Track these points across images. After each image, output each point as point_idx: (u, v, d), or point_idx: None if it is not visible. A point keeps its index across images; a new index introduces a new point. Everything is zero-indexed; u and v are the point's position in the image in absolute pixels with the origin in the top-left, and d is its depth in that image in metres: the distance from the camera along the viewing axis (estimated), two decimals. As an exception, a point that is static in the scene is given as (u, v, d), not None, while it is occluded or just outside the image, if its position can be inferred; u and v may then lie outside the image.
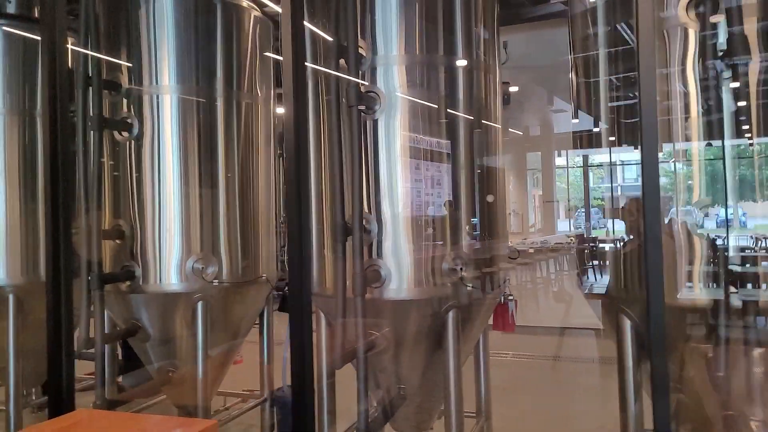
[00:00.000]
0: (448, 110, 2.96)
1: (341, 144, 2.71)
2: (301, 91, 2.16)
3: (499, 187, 3.27)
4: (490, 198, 3.13)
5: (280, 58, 2.20)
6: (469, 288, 2.80)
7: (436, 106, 2.91)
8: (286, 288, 4.08)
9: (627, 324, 2.22)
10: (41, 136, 4.11)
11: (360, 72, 2.78)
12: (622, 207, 3.29)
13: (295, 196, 2.09)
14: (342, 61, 2.73)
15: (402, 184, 2.84)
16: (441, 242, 2.88)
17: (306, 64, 2.60)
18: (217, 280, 3.41)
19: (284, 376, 4.08)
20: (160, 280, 3.38)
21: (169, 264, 3.38)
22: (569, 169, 14.57)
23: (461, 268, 2.80)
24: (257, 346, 4.03)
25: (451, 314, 2.77)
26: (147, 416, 2.30)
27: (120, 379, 4.40)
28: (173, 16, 3.48)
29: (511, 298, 3.34)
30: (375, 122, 2.81)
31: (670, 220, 2.94)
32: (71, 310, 2.63)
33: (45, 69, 2.62)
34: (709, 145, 3.44)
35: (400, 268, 2.77)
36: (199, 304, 3.37)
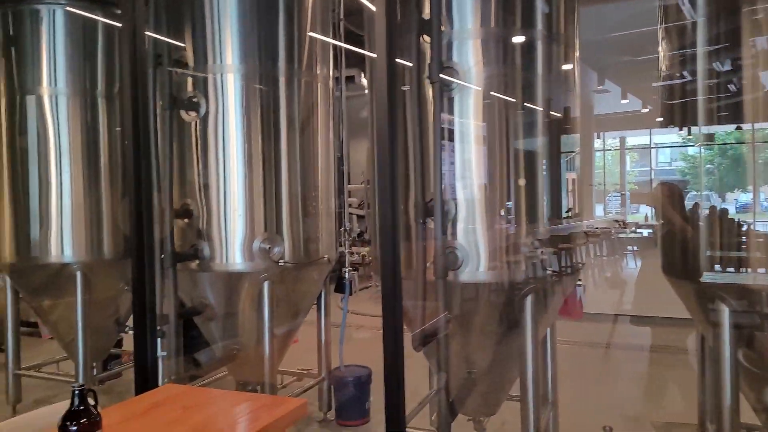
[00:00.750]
0: (526, 88, 2.89)
1: (421, 122, 2.67)
2: (392, 75, 2.10)
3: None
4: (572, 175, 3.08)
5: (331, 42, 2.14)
6: (548, 271, 2.75)
7: (513, 84, 2.85)
8: (342, 269, 4.11)
9: (725, 311, 2.15)
10: (102, 116, 4.20)
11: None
12: (653, 191, 3.25)
13: (389, 181, 2.06)
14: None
15: (477, 163, 2.79)
16: (517, 224, 2.83)
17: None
18: (282, 261, 3.42)
19: (341, 356, 4.11)
20: (227, 259, 3.41)
21: (236, 244, 3.39)
22: (604, 152, 14.26)
23: (540, 251, 2.75)
24: (310, 327, 4.05)
25: (529, 298, 2.73)
26: (236, 393, 2.33)
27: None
28: (236, -8, 3.45)
29: (580, 283, 3.28)
30: (451, 100, 2.76)
31: (695, 204, 2.90)
32: (154, 288, 2.67)
33: (126, 52, 2.62)
34: (739, 128, 3.35)
35: (476, 251, 2.74)
36: (266, 284, 3.40)
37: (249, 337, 3.58)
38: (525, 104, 2.89)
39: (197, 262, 3.37)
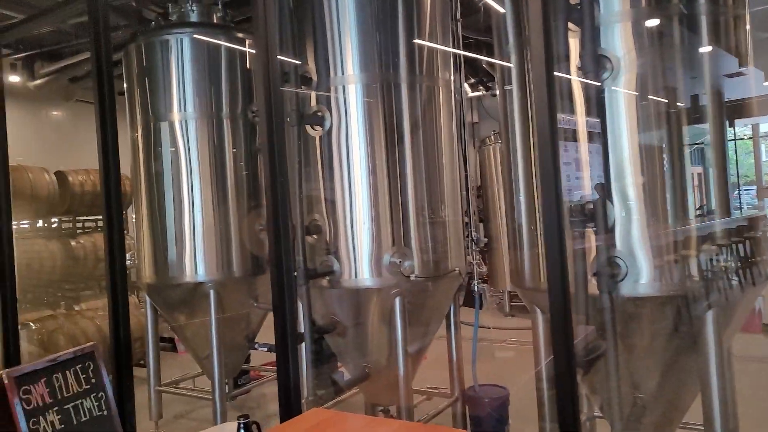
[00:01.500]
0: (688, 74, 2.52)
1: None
2: (550, 69, 1.86)
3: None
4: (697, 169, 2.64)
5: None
6: (733, 281, 2.34)
7: (673, 70, 2.48)
8: (470, 281, 3.88)
9: None
10: (228, 137, 4.32)
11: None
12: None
13: (553, 185, 1.81)
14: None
15: (637, 159, 2.45)
16: (686, 228, 2.45)
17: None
18: (414, 275, 3.25)
19: (474, 375, 3.86)
20: (356, 275, 3.31)
21: (365, 259, 3.28)
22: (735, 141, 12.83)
23: (720, 260, 2.35)
24: (435, 342, 3.83)
25: (710, 313, 2.34)
26: (390, 421, 2.18)
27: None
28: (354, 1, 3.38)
29: (762, 293, 2.79)
30: (600, 92, 2.45)
31: None
32: (295, 308, 2.60)
33: (260, 75, 2.60)
34: None
35: (638, 260, 2.39)
36: (397, 300, 3.25)
37: (381, 356, 3.45)
38: (673, 92, 2.51)
39: (327, 279, 3.30)
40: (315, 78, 3.39)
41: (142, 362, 6.16)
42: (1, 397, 2.55)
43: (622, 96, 2.48)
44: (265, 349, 4.50)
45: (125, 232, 7.92)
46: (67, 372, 2.84)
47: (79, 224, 7.48)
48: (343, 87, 3.40)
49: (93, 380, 2.97)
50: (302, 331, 3.15)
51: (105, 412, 2.97)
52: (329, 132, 3.36)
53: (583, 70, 2.26)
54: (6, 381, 2.51)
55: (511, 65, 2.86)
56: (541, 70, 1.84)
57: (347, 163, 3.37)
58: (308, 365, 3.12)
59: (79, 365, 2.92)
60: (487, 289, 3.85)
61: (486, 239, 5.95)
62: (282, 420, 2.56)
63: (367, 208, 3.32)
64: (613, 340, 2.35)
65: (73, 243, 7.07)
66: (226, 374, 4.59)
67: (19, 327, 5.61)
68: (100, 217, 7.65)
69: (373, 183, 3.33)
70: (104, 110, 3.33)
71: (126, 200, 7.79)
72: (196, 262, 4.19)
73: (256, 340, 4.51)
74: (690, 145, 2.60)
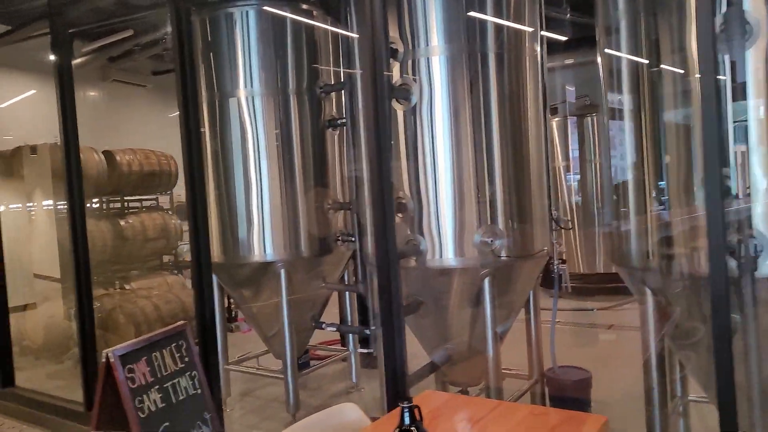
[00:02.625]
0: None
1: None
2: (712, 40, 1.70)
3: None
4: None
5: None
6: None
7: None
8: (550, 262, 3.76)
9: None
10: (294, 114, 4.21)
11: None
12: None
13: (715, 162, 1.67)
14: None
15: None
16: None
17: None
18: (504, 255, 3.15)
19: (553, 356, 3.77)
20: (443, 254, 3.21)
21: (454, 238, 3.18)
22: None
23: None
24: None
25: None
26: (514, 405, 2.09)
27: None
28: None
29: None
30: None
31: None
32: (400, 289, 2.51)
33: (366, 52, 2.48)
34: None
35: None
36: (486, 281, 3.16)
37: (464, 337, 3.37)
38: None
39: (414, 258, 3.21)
40: (401, 49, 3.25)
41: (197, 342, 6.18)
42: (105, 376, 2.52)
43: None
44: (333, 329, 4.47)
45: (169, 212, 7.94)
46: (164, 351, 2.80)
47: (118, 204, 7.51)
48: (428, 59, 3.26)
49: (186, 359, 2.93)
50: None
51: (199, 391, 2.93)
52: (414, 105, 3.24)
53: (727, 34, 2.09)
54: (112, 360, 2.47)
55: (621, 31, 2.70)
56: (704, 31, 1.69)
57: (431, 139, 3.24)
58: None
59: (174, 344, 2.89)
60: (566, 270, 3.71)
61: (567, 218, 5.81)
62: (389, 402, 2.49)
63: (454, 185, 3.20)
64: (746, 320, 2.22)
65: (122, 223, 7.08)
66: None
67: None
68: (149, 197, 7.69)
69: (460, 159, 3.21)
70: (186, 89, 3.24)
71: (172, 181, 7.80)
72: (264, 242, 4.12)
73: (323, 321, 4.47)
74: None
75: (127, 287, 7.13)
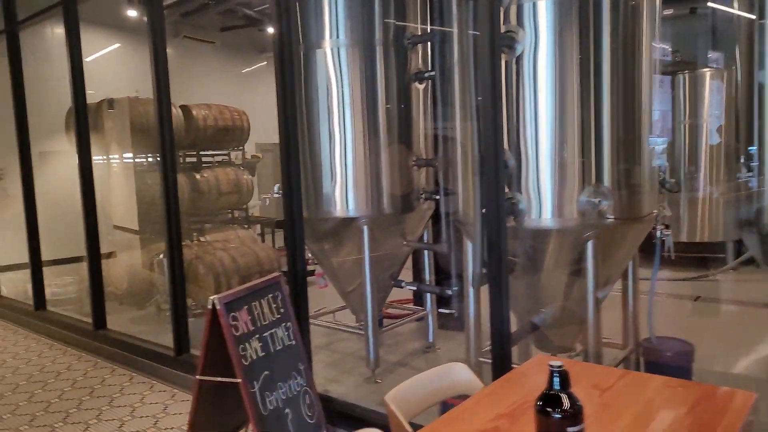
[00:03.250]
0: None
1: None
2: None
3: None
4: None
5: None
6: None
7: None
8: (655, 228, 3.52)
9: None
10: (380, 66, 4.06)
11: None
12: None
13: None
14: None
15: None
16: None
17: None
18: (612, 217, 2.95)
19: (650, 326, 3.58)
20: (543, 214, 3.04)
21: (556, 197, 3.00)
22: None
23: None
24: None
25: None
26: (645, 375, 1.96)
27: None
28: None
29: None
30: None
31: None
32: (506, 245, 2.39)
33: None
34: None
35: None
36: (590, 243, 2.97)
37: (561, 300, 3.23)
38: None
39: (513, 217, 3.05)
40: (505, -7, 3.02)
41: (270, 294, 6.33)
42: (211, 323, 2.55)
43: None
44: (413, 288, 4.42)
45: (241, 167, 8.05)
46: (262, 301, 2.81)
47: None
48: (533, 3, 3.01)
49: (282, 310, 2.94)
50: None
51: (293, 342, 2.95)
52: (518, 55, 3.02)
53: None
54: (218, 307, 2.49)
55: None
56: None
57: (534, 91, 3.03)
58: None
59: (270, 295, 2.89)
60: (671, 237, 3.46)
61: (673, 180, 5.45)
62: (496, 365, 2.41)
63: (558, 141, 2.99)
64: None
65: (197, 176, 7.24)
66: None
67: (162, 255, 5.85)
68: (221, 152, 7.81)
69: (564, 113, 2.99)
70: (282, 43, 3.15)
71: (245, 136, 7.87)
72: (347, 197, 4.07)
73: (402, 279, 4.42)
74: None
75: (202, 239, 7.35)
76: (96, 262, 4.88)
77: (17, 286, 7.77)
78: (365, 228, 4.00)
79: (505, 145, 3.10)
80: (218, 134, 7.41)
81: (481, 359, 3.45)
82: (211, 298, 2.50)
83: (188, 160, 7.50)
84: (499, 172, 2.36)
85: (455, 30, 3.39)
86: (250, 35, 12.11)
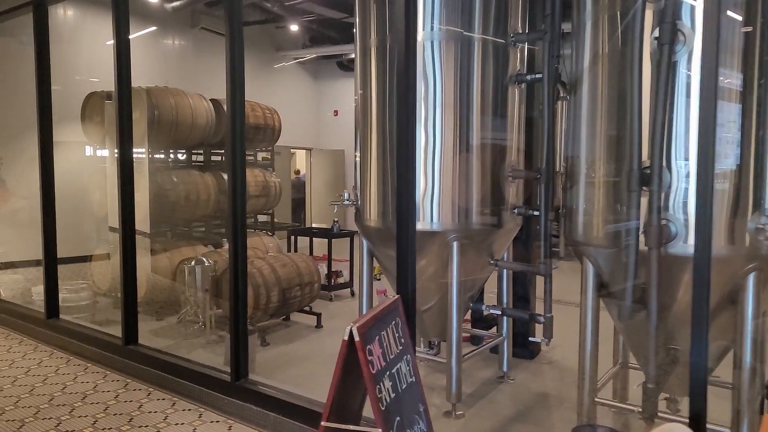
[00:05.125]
0: None
1: None
2: None
3: None
4: None
5: None
6: None
7: None
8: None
9: None
10: (478, 63, 3.65)
11: None
12: None
13: None
14: None
15: None
16: None
17: None
18: (781, 246, 2.57)
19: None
20: (688, 240, 2.65)
21: (719, 221, 2.61)
22: None
23: None
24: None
25: None
26: None
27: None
28: None
29: None
30: None
31: None
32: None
33: None
34: None
35: None
36: (751, 276, 2.59)
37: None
38: None
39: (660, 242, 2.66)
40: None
41: (307, 308, 5.83)
42: (345, 359, 2.08)
43: None
44: (498, 313, 3.99)
45: (270, 169, 7.54)
46: (388, 329, 2.35)
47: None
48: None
49: (402, 340, 2.48)
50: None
51: (414, 379, 2.49)
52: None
53: None
54: (357, 338, 2.03)
55: None
56: None
57: (686, 95, 2.65)
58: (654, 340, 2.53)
59: (393, 322, 2.44)
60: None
61: None
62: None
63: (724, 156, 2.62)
64: None
65: (225, 177, 6.71)
66: (438, 335, 4.11)
67: (193, 262, 5.30)
68: (249, 151, 7.29)
69: (729, 125, 2.62)
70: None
71: (275, 135, 7.38)
72: (432, 208, 3.63)
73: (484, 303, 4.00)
74: None
75: (225, 244, 6.81)
76: (131, 268, 4.33)
77: (15, 287, 7.10)
78: (455, 244, 3.56)
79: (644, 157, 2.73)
80: (249, 132, 6.91)
81: (597, 399, 3.04)
82: (350, 326, 2.04)
83: (214, 158, 6.98)
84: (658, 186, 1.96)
85: (588, 29, 3.01)
86: (268, 32, 11.62)
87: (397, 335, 2.42)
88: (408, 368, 2.43)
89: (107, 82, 6.63)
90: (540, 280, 3.78)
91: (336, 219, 7.34)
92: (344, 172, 14.45)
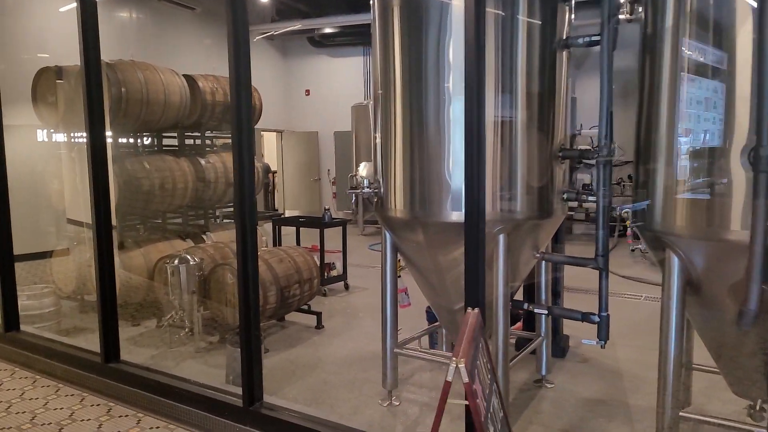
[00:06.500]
0: None
1: None
2: None
3: None
4: None
5: None
6: None
7: None
8: None
9: None
10: (522, 28, 3.14)
11: None
12: None
13: None
14: None
15: None
16: None
17: None
18: None
19: None
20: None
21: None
22: None
23: None
24: None
25: None
26: None
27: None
28: None
29: None
30: None
31: None
32: None
33: None
34: None
35: None
36: None
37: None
38: None
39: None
40: None
41: (305, 307, 5.26)
42: (445, 402, 1.57)
43: None
44: (544, 312, 3.54)
45: (261, 154, 6.82)
46: (479, 356, 1.85)
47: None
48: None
49: (489, 366, 1.99)
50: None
51: (502, 414, 2.01)
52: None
53: None
54: (467, 379, 1.52)
55: None
56: None
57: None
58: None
59: (479, 344, 1.93)
60: None
61: None
62: None
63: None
64: None
65: (202, 162, 6.01)
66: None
67: (176, 261, 4.65)
68: (225, 134, 6.57)
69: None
70: None
71: (256, 116, 6.67)
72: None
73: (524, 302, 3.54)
74: None
75: (205, 238, 6.14)
76: (108, 270, 3.67)
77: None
78: (501, 237, 3.08)
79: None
80: (227, 112, 6.20)
81: (683, 413, 2.65)
82: (454, 364, 1.52)
83: (188, 142, 6.24)
84: None
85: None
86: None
87: (484, 360, 1.92)
88: (497, 401, 1.94)
89: (60, 56, 5.80)
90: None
91: (327, 207, 6.74)
92: (318, 156, 13.77)
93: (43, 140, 7.35)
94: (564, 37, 3.23)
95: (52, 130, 6.54)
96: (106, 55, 5.80)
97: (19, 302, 4.71)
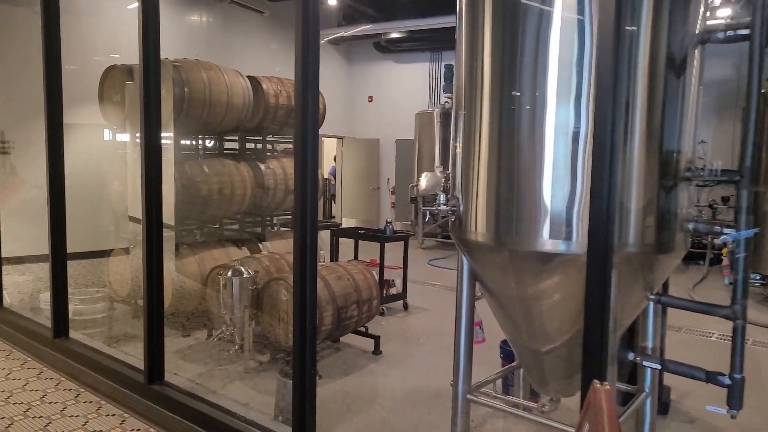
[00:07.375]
0: None
1: None
2: None
3: None
4: None
5: None
6: None
7: None
8: None
9: None
10: (647, 19, 2.59)
11: None
12: None
13: None
14: None
15: None
16: None
17: None
18: None
19: None
20: None
21: None
22: None
23: None
24: None
25: None
26: None
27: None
28: None
29: None
30: None
31: None
32: None
33: None
34: None
35: None
36: None
37: None
38: None
39: None
40: None
41: (362, 329, 4.84)
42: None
43: None
44: (657, 367, 2.93)
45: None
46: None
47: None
48: None
49: None
50: None
51: None
52: None
53: None
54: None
55: None
56: None
57: None
58: None
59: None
60: None
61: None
62: None
63: None
64: None
65: (262, 168, 5.73)
66: (559, 389, 3.10)
67: (229, 273, 4.34)
68: (287, 139, 6.29)
69: None
70: None
71: (320, 120, 6.37)
72: (572, 222, 2.59)
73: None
74: None
75: (261, 247, 5.85)
76: (157, 285, 3.37)
77: (24, 291, 6.23)
78: (614, 273, 2.52)
79: None
80: (289, 116, 5.91)
81: None
82: (598, 386, 1.01)
83: (250, 145, 5.99)
84: None
85: None
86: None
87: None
88: None
89: (129, 56, 5.71)
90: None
91: (389, 219, 6.32)
92: (378, 164, 13.42)
93: (109, 139, 7.36)
94: (698, 31, 2.64)
95: (117, 130, 6.49)
96: (173, 56, 5.66)
97: (71, 306, 4.55)
